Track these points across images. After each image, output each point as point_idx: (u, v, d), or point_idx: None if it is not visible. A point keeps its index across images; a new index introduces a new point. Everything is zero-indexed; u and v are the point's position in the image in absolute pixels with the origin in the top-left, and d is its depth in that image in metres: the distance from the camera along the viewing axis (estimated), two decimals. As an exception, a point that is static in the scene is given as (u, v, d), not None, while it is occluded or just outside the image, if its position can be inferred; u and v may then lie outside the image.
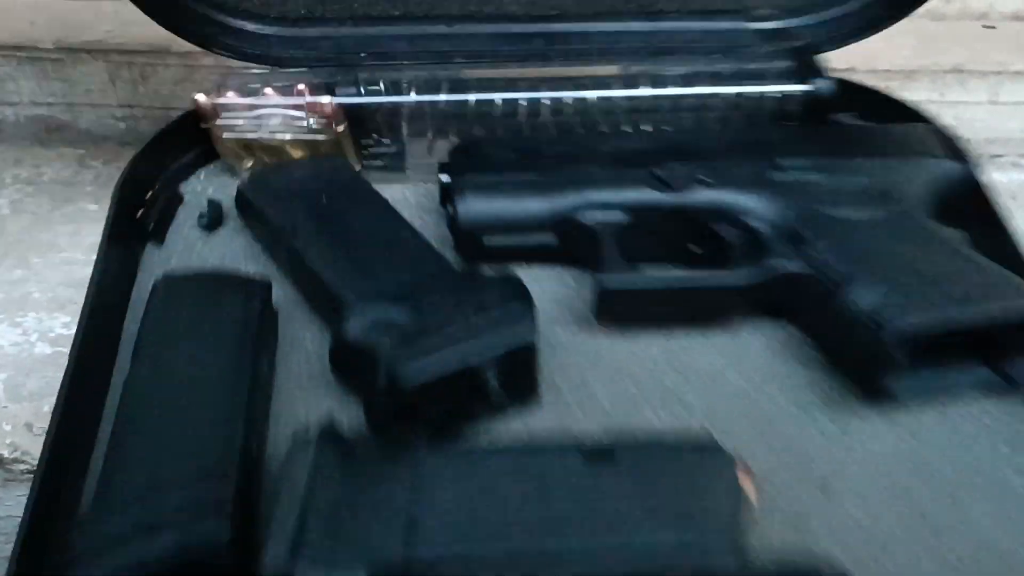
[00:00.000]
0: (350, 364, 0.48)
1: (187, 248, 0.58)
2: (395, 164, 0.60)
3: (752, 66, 0.60)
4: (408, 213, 0.59)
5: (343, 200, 0.54)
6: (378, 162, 0.60)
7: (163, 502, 0.41)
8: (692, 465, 0.43)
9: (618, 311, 0.52)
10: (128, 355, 0.50)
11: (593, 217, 0.53)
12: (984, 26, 0.70)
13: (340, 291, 0.49)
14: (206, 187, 0.61)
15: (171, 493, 0.41)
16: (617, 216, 0.54)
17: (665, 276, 0.52)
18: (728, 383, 0.51)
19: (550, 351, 0.52)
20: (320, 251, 0.51)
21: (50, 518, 0.43)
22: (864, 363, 0.48)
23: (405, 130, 0.59)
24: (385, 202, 0.55)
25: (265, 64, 0.59)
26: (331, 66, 0.59)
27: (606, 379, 0.51)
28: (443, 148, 0.60)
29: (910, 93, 0.63)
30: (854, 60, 0.61)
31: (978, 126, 0.67)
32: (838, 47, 0.62)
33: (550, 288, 0.56)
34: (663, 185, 0.54)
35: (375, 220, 0.53)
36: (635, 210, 0.54)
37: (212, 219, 0.58)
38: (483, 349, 0.46)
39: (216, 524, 0.40)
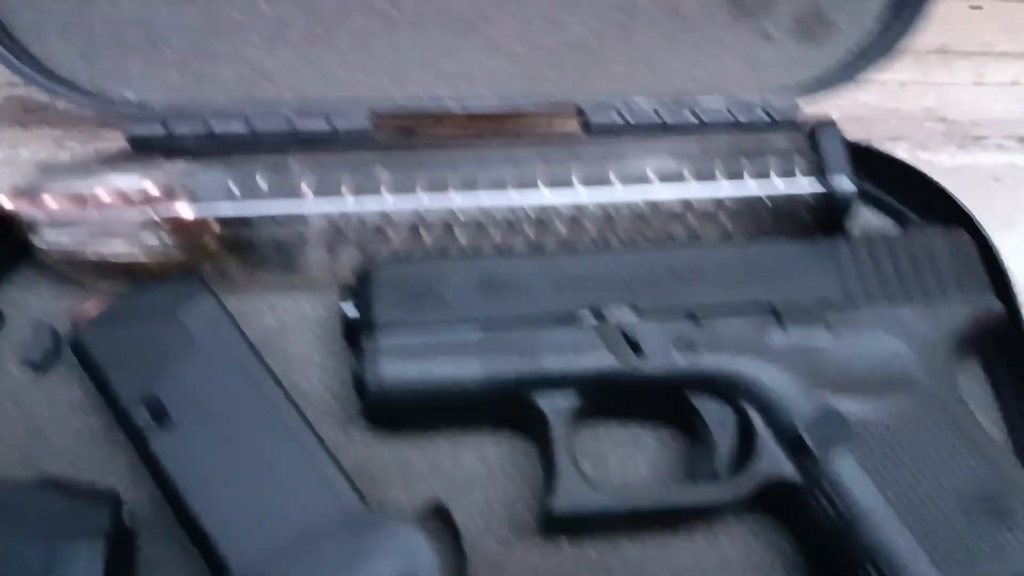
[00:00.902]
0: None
1: (10, 398, 0.46)
2: (286, 272, 0.48)
3: (750, 161, 0.49)
4: (302, 339, 0.49)
5: (213, 369, 0.42)
6: (264, 270, 0.48)
7: None
8: None
9: (570, 529, 0.44)
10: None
11: (545, 399, 0.43)
12: (971, 7, 0.69)
13: (217, 540, 0.39)
14: (28, 297, 0.48)
15: None
16: (573, 395, 0.44)
17: (630, 495, 0.43)
18: (698, 602, 0.44)
19: (486, 561, 0.44)
20: (186, 468, 0.40)
21: None
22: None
23: (298, 239, 0.46)
24: (265, 375, 0.43)
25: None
26: (189, 156, 0.45)
27: (551, 599, 0.44)
28: (348, 255, 0.48)
29: (892, 73, 0.59)
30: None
31: (962, 107, 0.66)
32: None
33: (478, 470, 0.46)
34: (634, 350, 0.44)
35: (253, 406, 0.42)
36: (596, 381, 0.44)
37: (44, 356, 0.46)
38: (399, 639, 0.37)
39: None
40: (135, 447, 0.43)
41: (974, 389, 0.50)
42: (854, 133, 0.52)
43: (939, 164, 0.62)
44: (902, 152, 0.59)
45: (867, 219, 0.55)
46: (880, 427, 0.43)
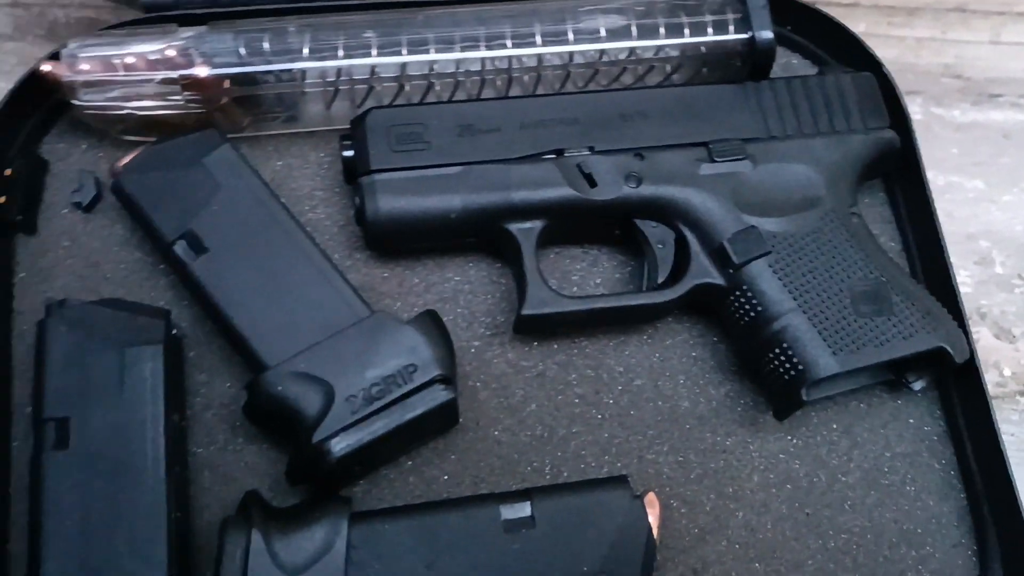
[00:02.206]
0: (267, 417, 0.49)
1: (65, 235, 0.55)
2: (289, 124, 0.56)
3: (686, 17, 0.56)
4: (307, 179, 0.57)
5: (237, 206, 0.51)
6: (271, 122, 0.55)
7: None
8: (605, 516, 0.48)
9: (538, 329, 0.54)
10: (21, 374, 0.52)
11: (515, 225, 0.52)
12: (990, -34, 0.72)
13: (252, 342, 0.49)
14: (70, 149, 0.56)
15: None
16: (539, 221, 0.53)
17: (585, 300, 0.53)
18: (642, 386, 0.55)
19: (470, 356, 0.54)
20: (222, 288, 0.49)
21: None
22: (774, 389, 0.52)
23: (299, 94, 0.54)
24: (281, 209, 0.52)
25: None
26: (200, 20, 0.51)
27: (524, 383, 0.54)
28: (343, 108, 0.55)
29: (912, 30, 0.65)
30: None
31: (979, 65, 0.69)
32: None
33: (462, 286, 0.56)
34: (589, 182, 0.53)
35: (273, 235, 0.51)
36: (558, 209, 0.53)
37: (89, 197, 0.54)
38: (404, 412, 0.48)
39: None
40: (177, 273, 0.52)
41: (877, 207, 0.60)
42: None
43: (952, 119, 0.67)
44: (916, 106, 0.65)
45: (792, 64, 0.63)
46: (789, 239, 0.53)
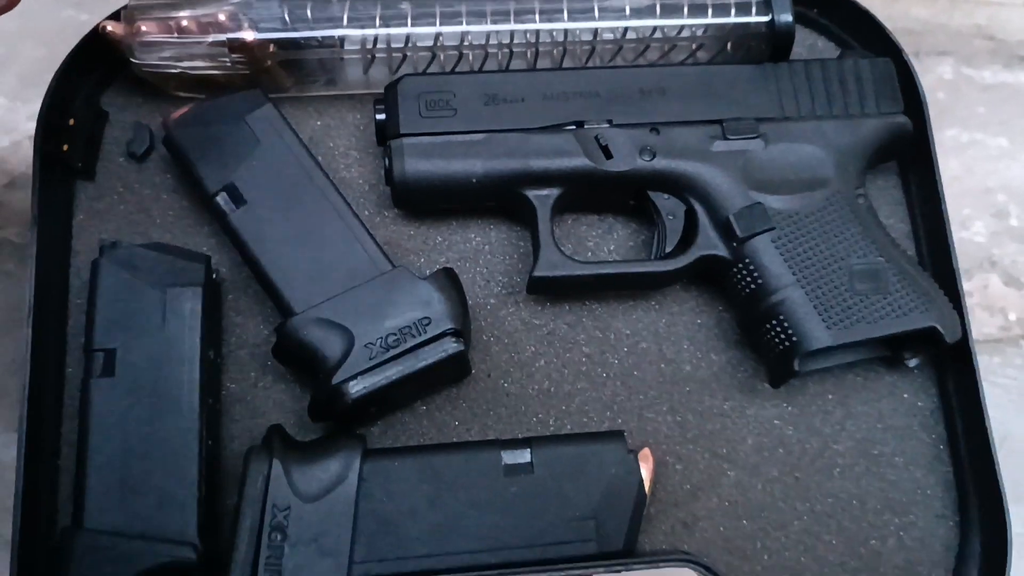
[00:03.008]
0: (293, 359, 0.53)
1: (120, 182, 0.59)
2: (329, 86, 0.59)
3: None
4: (344, 138, 0.61)
5: (275, 162, 0.55)
6: (312, 84, 0.59)
7: (134, 509, 0.49)
8: (600, 467, 0.51)
9: (549, 290, 0.57)
10: (78, 308, 0.56)
11: (533, 191, 0.55)
12: (1024, -75, 0.70)
13: (282, 289, 0.52)
14: (128, 102, 0.60)
15: (140, 498, 0.49)
16: (555, 189, 0.56)
17: (595, 265, 0.56)
18: (646, 349, 0.58)
19: (486, 312, 0.58)
20: (257, 237, 0.53)
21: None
22: (770, 358, 0.54)
23: (338, 59, 0.57)
24: (316, 167, 0.55)
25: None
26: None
27: (535, 340, 0.58)
28: (380, 73, 0.58)
29: None
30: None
31: (1010, 28, 0.69)
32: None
33: (482, 247, 0.59)
34: (605, 154, 0.55)
35: (307, 190, 0.54)
36: (574, 178, 0.56)
37: (142, 148, 0.58)
38: (416, 360, 0.51)
39: (183, 528, 0.49)
40: (218, 222, 0.56)
41: (889, 190, 0.62)
42: (903, 45, 0.60)
43: (981, 80, 0.67)
44: (947, 66, 0.66)
45: (817, 46, 0.64)
46: (793, 216, 0.55)
